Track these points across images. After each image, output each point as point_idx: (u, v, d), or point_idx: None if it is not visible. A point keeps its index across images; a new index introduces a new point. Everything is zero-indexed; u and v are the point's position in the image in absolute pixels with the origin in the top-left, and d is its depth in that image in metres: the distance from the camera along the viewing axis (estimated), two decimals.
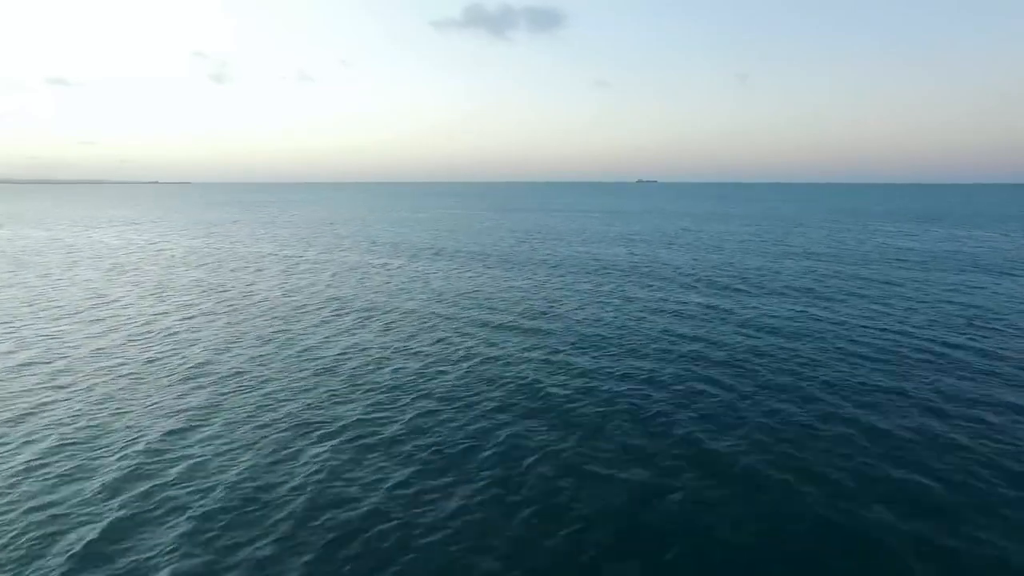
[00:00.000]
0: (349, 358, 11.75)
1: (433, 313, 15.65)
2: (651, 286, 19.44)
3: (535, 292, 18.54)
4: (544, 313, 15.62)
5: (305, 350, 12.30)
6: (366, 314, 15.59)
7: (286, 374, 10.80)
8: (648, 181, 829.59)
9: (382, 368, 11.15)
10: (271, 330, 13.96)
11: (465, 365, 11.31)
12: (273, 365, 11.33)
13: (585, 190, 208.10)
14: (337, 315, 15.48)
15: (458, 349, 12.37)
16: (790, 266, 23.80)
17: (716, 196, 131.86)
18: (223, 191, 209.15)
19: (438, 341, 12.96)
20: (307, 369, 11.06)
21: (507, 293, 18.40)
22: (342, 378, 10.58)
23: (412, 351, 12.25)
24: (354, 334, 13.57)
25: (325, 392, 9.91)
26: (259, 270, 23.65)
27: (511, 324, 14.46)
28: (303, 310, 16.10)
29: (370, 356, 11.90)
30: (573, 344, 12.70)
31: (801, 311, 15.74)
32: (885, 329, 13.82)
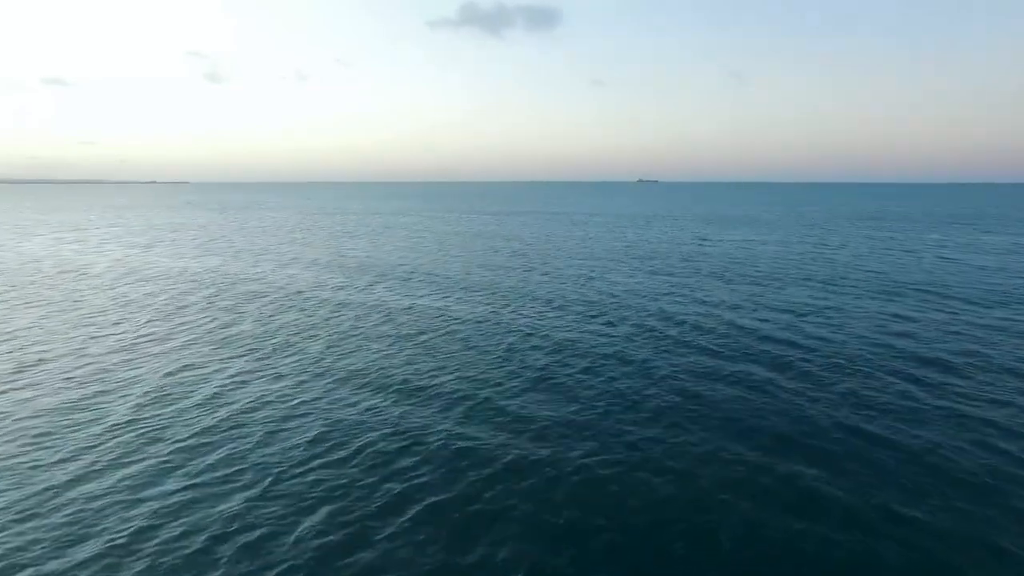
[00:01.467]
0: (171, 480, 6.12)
1: (340, 398, 9.98)
2: (682, 342, 13.64)
3: (505, 349, 12.88)
4: (516, 391, 9.97)
5: (126, 425, 6.66)
6: (233, 388, 9.95)
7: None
8: (649, 181, 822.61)
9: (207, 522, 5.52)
10: (102, 393, 8.34)
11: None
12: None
13: (586, 190, 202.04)
14: (203, 382, 9.84)
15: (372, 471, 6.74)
16: (860, 302, 18.03)
17: (720, 197, 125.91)
18: (219, 191, 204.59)
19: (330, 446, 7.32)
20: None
21: (466, 355, 12.76)
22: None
23: (275, 491, 6.59)
24: (210, 418, 7.93)
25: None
26: (155, 293, 18.02)
27: (453, 430, 8.80)
28: (164, 371, 10.45)
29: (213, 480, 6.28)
30: (565, 494, 7.05)
31: (919, 398, 10.07)
32: None
